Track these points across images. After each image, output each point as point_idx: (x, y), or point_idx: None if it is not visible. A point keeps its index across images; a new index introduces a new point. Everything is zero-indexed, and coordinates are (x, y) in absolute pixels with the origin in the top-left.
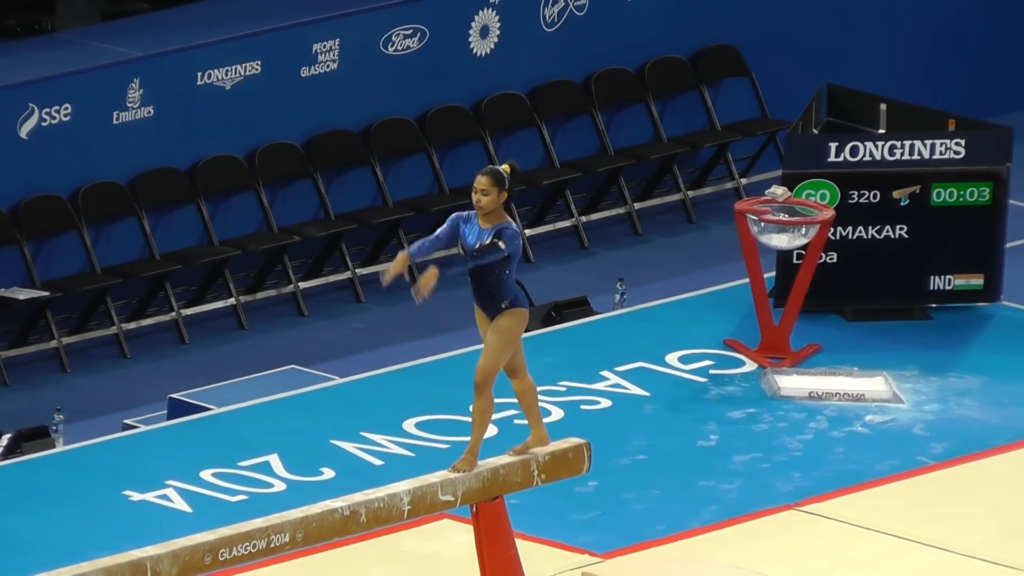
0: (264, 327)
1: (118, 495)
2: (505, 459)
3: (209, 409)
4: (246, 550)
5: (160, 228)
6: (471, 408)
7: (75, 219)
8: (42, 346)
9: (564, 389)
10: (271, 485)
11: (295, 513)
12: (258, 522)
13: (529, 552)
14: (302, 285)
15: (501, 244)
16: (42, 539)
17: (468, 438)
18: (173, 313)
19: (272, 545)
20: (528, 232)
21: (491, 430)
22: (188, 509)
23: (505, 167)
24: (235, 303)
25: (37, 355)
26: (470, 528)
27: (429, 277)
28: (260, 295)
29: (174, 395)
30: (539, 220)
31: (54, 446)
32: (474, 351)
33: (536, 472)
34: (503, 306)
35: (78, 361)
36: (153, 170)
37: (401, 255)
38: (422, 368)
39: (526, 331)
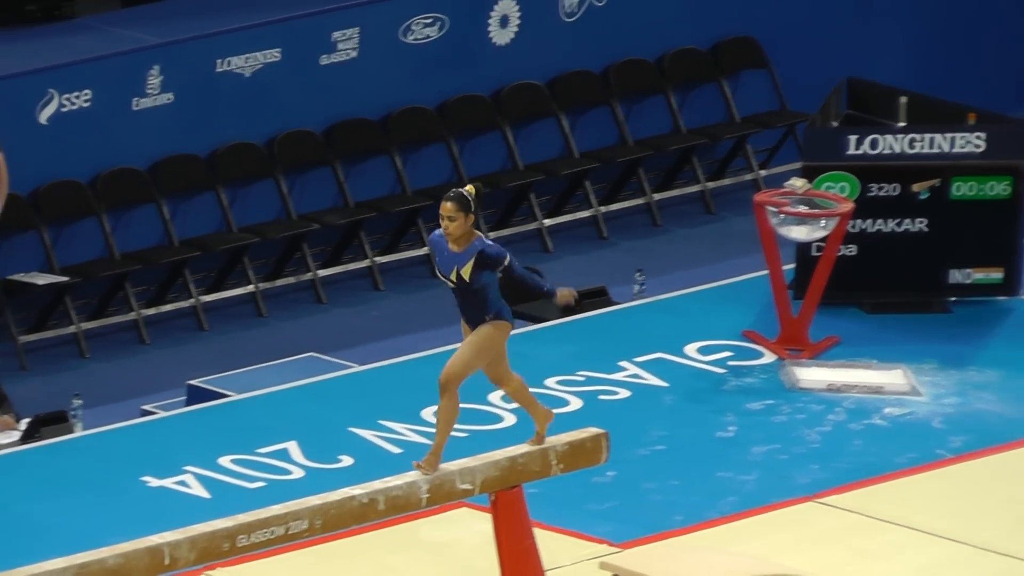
0: (283, 314)
1: (136, 481)
2: (523, 448)
3: (228, 396)
4: (264, 536)
5: (179, 214)
6: (436, 409)
7: (94, 205)
8: (61, 331)
9: (583, 379)
10: (289, 472)
11: (314, 500)
12: (276, 509)
13: (547, 541)
14: (320, 273)
15: (498, 272)
16: (60, 524)
17: (486, 427)
18: (192, 299)
19: (290, 532)
20: (547, 222)
21: (509, 419)
22: (206, 495)
23: (469, 188)
24: (254, 290)
25: (56, 340)
26: (488, 517)
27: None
28: (279, 282)
29: (193, 381)
30: (558, 210)
31: (72, 431)
32: None
33: (554, 461)
34: (487, 319)
35: (97, 347)
36: (172, 156)
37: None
38: (440, 356)
39: (539, 323)
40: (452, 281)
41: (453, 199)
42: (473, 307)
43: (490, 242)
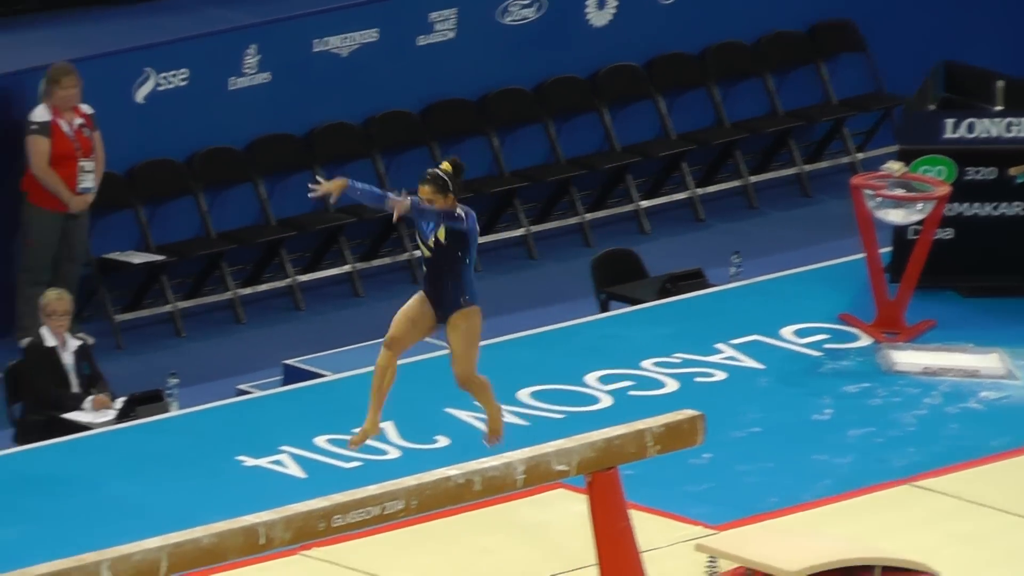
0: (379, 294)
1: (231, 460)
2: (620, 429)
3: (323, 375)
4: (360, 517)
5: (275, 194)
6: (474, 402)
7: (190, 184)
8: (156, 310)
9: (679, 361)
10: (385, 452)
11: (409, 480)
12: (372, 489)
13: (643, 523)
14: (416, 253)
15: (459, 213)
16: (155, 504)
17: (582, 408)
18: (288, 279)
19: (386, 512)
20: (644, 204)
21: (605, 400)
22: (302, 475)
23: (445, 165)
24: (351, 270)
25: (152, 319)
26: (584, 498)
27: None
28: (375, 262)
29: (288, 361)
30: (655, 192)
31: (168, 410)
32: (590, 321)
33: (650, 443)
34: (462, 301)
35: (193, 325)
36: (268, 136)
37: (340, 181)
38: (537, 338)
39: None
40: (430, 248)
41: (430, 181)
42: (450, 280)
43: (472, 212)
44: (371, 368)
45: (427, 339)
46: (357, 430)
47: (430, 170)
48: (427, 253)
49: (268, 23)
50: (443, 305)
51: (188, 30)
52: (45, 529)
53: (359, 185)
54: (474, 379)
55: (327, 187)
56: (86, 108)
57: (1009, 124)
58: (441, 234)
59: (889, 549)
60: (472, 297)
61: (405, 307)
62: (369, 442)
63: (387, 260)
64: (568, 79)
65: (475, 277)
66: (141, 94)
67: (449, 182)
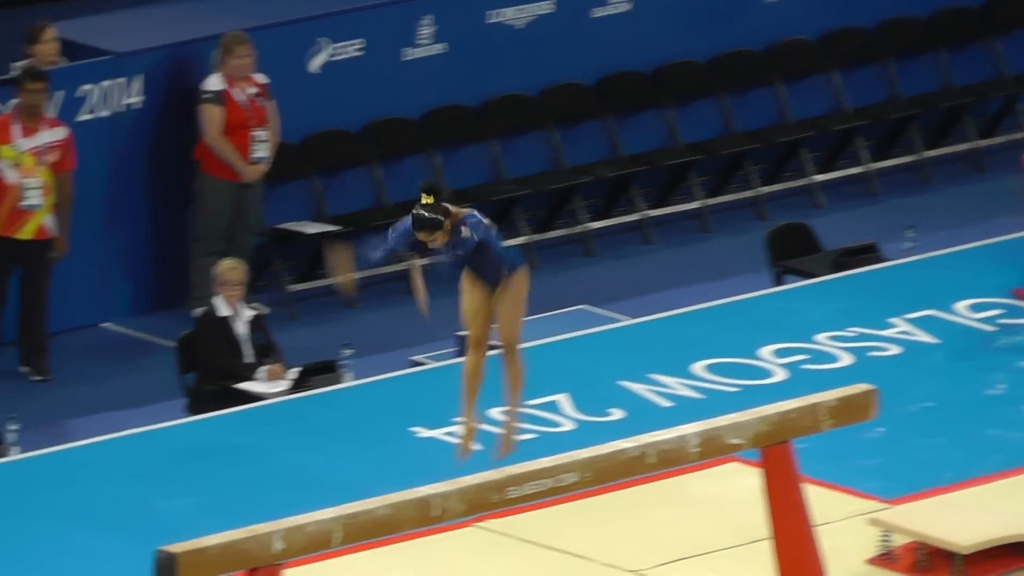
0: (553, 266)
1: (405, 431)
2: (794, 403)
3: (499, 347)
4: (533, 489)
5: (450, 164)
6: (506, 372)
7: (364, 154)
8: (330, 281)
9: (853, 335)
10: (560, 424)
11: (583, 453)
12: (546, 461)
13: (816, 497)
14: (592, 225)
15: (465, 233)
16: (329, 474)
17: (756, 382)
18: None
19: (560, 484)
20: (819, 178)
21: (779, 374)
22: (477, 446)
23: (425, 199)
24: (526, 241)
25: (325, 289)
26: (757, 472)
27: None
28: (550, 234)
29: (462, 332)
30: (830, 166)
31: (341, 381)
32: (764, 295)
33: (824, 417)
34: (504, 272)
35: (367, 296)
36: (443, 107)
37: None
38: (712, 311)
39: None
40: (460, 255)
41: (425, 228)
42: (490, 265)
43: (477, 216)
44: (548, 340)
45: (603, 312)
46: (459, 440)
47: (414, 213)
48: (460, 253)
49: None
50: (489, 281)
51: (363, 0)
52: (218, 499)
53: (369, 253)
54: (519, 341)
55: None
56: (260, 77)
57: None
58: (467, 234)
59: None
60: (512, 267)
61: (465, 302)
62: (543, 415)
63: (561, 231)
64: (743, 53)
65: (504, 246)
66: (315, 64)
67: (439, 216)
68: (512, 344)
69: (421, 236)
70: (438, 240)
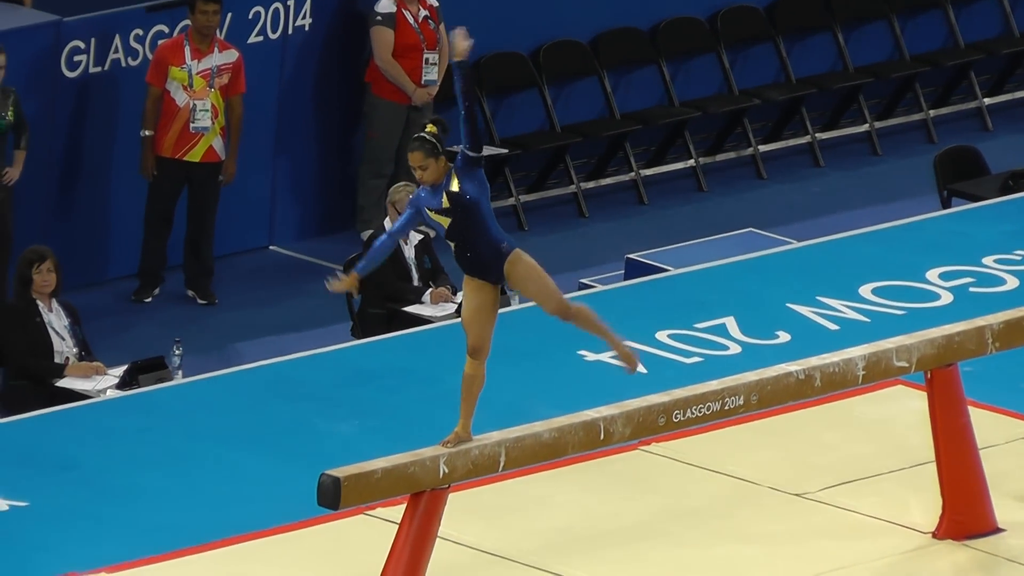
0: (722, 189)
1: (573, 354)
2: (960, 326)
3: (666, 270)
4: (700, 412)
5: (620, 88)
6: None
7: (535, 77)
8: (498, 203)
9: (1020, 258)
10: (726, 348)
11: (750, 376)
12: (713, 384)
13: (981, 420)
14: (761, 148)
15: (455, 186)
16: (496, 396)
17: (923, 304)
18: (631, 173)
19: (726, 407)
20: (987, 101)
21: (946, 297)
22: (643, 370)
23: (430, 128)
24: (693, 164)
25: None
26: (923, 395)
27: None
28: (718, 157)
29: (631, 255)
30: (998, 89)
31: (509, 304)
32: (932, 218)
33: (990, 340)
34: (502, 250)
35: (535, 219)
36: (614, 30)
37: (351, 276)
38: (880, 234)
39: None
40: (447, 212)
41: (418, 148)
42: (482, 235)
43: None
44: (715, 263)
45: (771, 235)
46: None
47: (416, 134)
48: (444, 222)
49: None
50: (489, 268)
51: None
52: (384, 423)
53: (363, 264)
54: (570, 309)
55: (342, 285)
56: (432, 0)
57: None
58: (455, 186)
59: None
60: (509, 243)
61: (464, 308)
62: (710, 337)
63: (731, 155)
64: None
65: (498, 225)
66: None
67: (439, 144)
68: (564, 316)
69: (414, 158)
70: (429, 172)
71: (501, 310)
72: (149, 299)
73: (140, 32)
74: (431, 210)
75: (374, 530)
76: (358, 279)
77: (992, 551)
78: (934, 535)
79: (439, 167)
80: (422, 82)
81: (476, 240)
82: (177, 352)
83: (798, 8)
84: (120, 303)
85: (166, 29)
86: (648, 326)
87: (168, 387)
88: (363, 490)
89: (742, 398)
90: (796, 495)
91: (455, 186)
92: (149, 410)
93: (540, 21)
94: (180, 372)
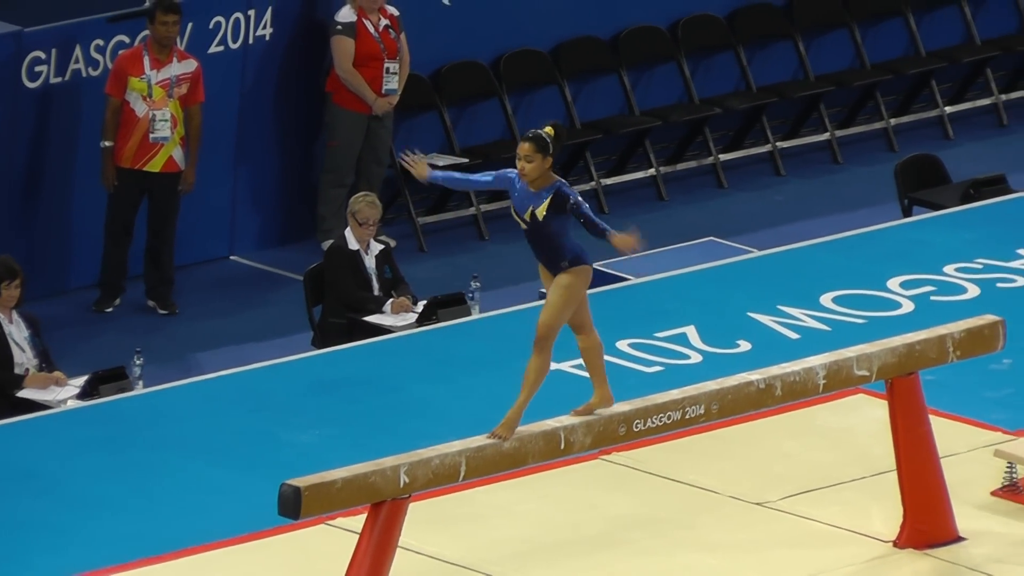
0: (683, 198)
1: None
2: (921, 335)
3: (627, 279)
4: (660, 421)
5: (581, 97)
6: (527, 366)
7: (495, 86)
8: (459, 213)
9: (980, 267)
10: (687, 356)
11: (711, 385)
12: (674, 393)
13: (942, 428)
14: (722, 157)
15: (569, 211)
16: (455, 407)
17: (884, 313)
18: (592, 183)
19: (687, 417)
20: (949, 109)
21: (907, 305)
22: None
23: (548, 129)
24: (654, 174)
25: (455, 222)
26: (884, 403)
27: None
28: (679, 166)
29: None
30: (960, 98)
31: (469, 314)
32: (893, 226)
33: (951, 348)
34: (563, 265)
35: (496, 228)
36: (574, 39)
37: (424, 166)
38: (841, 242)
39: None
40: (525, 221)
41: (531, 140)
42: (548, 250)
43: (569, 187)
44: (676, 272)
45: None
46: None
47: (534, 130)
48: (523, 226)
49: None
50: (552, 268)
51: None
52: (344, 433)
53: (439, 174)
54: (551, 337)
55: (417, 168)
56: (392, 10)
57: None
58: (540, 212)
59: None
60: (575, 259)
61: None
62: (670, 347)
63: (692, 164)
64: None
65: (576, 239)
66: None
67: (551, 144)
68: (544, 335)
69: (523, 148)
70: (532, 167)
71: (459, 321)
72: (110, 309)
73: (101, 42)
74: (515, 209)
75: (335, 540)
76: (428, 175)
77: (953, 560)
78: (895, 544)
79: (543, 166)
80: (383, 91)
81: (544, 254)
82: (138, 362)
83: (759, 17)
84: (81, 313)
85: (127, 39)
86: (609, 335)
87: (129, 397)
88: (324, 500)
89: (703, 407)
90: (757, 504)
91: (542, 212)
92: (110, 420)
93: (500, 30)
94: (141, 382)
